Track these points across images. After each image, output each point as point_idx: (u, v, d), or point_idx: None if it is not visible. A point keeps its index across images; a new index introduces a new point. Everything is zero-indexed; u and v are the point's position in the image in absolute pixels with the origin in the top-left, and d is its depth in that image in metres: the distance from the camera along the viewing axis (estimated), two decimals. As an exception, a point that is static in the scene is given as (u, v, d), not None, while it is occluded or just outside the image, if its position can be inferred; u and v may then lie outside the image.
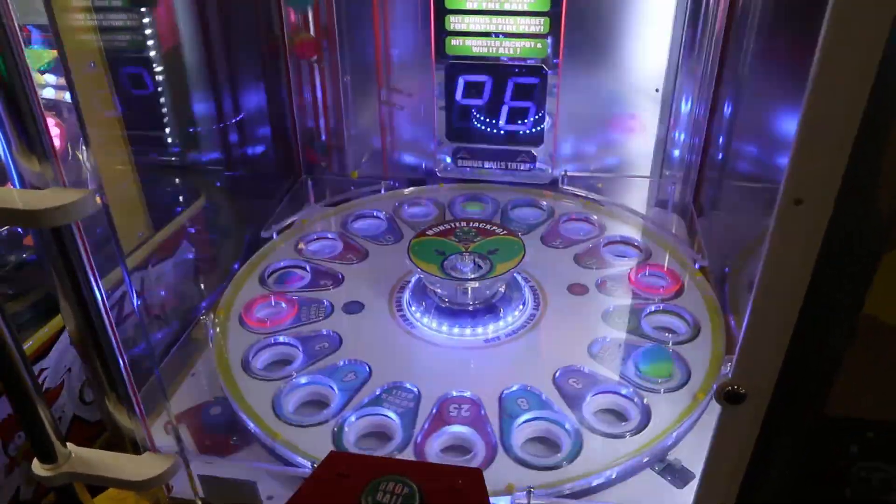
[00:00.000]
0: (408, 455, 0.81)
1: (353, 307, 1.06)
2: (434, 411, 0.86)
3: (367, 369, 0.93)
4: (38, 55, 0.91)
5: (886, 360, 0.56)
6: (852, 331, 0.54)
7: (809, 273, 0.49)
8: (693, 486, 0.76)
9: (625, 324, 1.01)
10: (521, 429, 0.84)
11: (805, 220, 0.47)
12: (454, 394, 0.89)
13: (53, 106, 0.86)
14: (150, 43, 1.07)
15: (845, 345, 0.55)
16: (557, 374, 0.91)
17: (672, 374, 0.91)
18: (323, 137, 1.43)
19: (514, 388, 0.89)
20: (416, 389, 0.90)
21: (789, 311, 0.51)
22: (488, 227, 1.09)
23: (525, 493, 0.72)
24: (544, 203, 1.35)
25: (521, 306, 1.04)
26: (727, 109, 1.20)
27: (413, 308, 1.04)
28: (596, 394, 0.89)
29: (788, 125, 0.82)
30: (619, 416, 0.88)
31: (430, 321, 1.02)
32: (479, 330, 1.00)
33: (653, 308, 1.04)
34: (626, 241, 1.23)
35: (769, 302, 0.51)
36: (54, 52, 0.88)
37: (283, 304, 1.06)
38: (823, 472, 0.63)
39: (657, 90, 1.30)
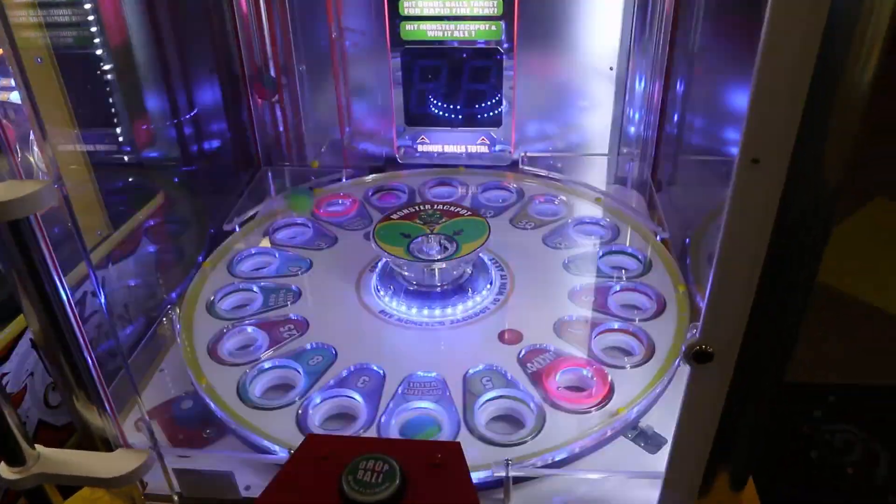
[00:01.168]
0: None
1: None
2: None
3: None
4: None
5: (845, 326, 0.58)
6: (811, 297, 0.56)
7: (769, 230, 0.51)
8: (665, 450, 0.77)
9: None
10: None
11: (762, 177, 0.49)
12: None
13: (-2, 109, 0.84)
14: (97, 39, 1.05)
15: (805, 312, 0.56)
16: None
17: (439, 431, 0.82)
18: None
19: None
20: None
21: (752, 267, 0.53)
22: (452, 208, 1.10)
23: (504, 465, 0.73)
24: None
25: (488, 286, 1.05)
26: (680, 86, 1.22)
27: (381, 291, 1.05)
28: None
29: (739, 98, 0.84)
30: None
31: (398, 303, 1.02)
32: (447, 311, 1.01)
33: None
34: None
35: (732, 260, 0.53)
36: (-1, 51, 0.85)
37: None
38: (789, 436, 0.64)
39: (611, 68, 1.31)
